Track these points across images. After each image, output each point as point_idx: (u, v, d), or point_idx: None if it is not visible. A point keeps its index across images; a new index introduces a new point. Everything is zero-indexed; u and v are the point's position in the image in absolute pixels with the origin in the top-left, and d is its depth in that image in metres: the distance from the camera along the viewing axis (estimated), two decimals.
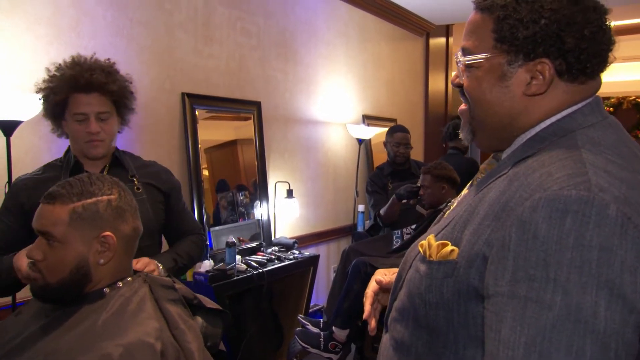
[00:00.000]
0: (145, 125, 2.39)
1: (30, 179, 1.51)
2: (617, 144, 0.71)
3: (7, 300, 1.79)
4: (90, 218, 1.07)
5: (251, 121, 2.99)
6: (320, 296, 3.61)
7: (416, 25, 4.80)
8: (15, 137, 1.78)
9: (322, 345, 2.65)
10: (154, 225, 1.61)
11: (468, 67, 0.79)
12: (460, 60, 0.80)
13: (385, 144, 3.59)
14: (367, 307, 1.02)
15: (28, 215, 1.42)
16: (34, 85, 1.55)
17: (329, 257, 3.77)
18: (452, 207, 0.85)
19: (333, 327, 2.65)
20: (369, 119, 4.06)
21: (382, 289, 1.03)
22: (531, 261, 0.61)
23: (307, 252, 2.99)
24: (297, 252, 2.90)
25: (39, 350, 1.00)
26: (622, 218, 0.60)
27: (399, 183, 3.36)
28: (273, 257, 2.76)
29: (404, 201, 3.11)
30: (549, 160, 0.69)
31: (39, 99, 1.54)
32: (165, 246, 1.76)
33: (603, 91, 0.79)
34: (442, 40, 5.40)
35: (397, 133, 3.50)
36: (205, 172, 2.70)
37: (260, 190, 3.01)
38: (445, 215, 0.85)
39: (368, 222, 3.79)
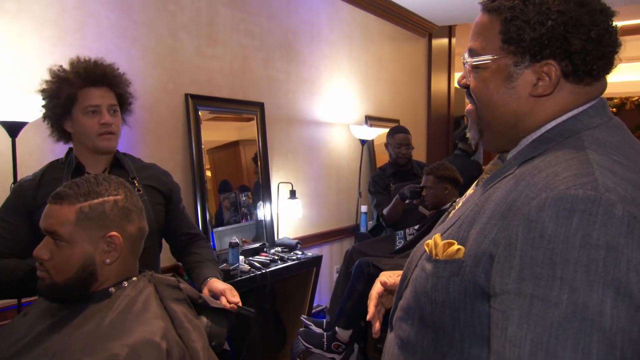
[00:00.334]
0: (149, 126, 2.40)
1: (35, 179, 1.52)
2: (623, 145, 0.71)
3: (13, 300, 1.80)
4: (97, 218, 1.08)
5: (254, 122, 2.99)
6: (323, 297, 3.62)
7: (419, 26, 4.80)
8: (19, 138, 1.79)
9: (325, 345, 2.65)
10: (154, 227, 1.61)
11: (475, 68, 0.79)
12: (467, 61, 0.80)
13: (386, 145, 3.59)
14: (371, 308, 1.02)
15: (34, 214, 1.43)
16: (39, 84, 1.54)
17: (331, 258, 3.77)
18: (457, 207, 0.85)
19: (336, 328, 2.66)
20: (371, 120, 4.07)
21: (387, 290, 1.04)
22: (538, 260, 0.62)
23: (310, 253, 2.99)
24: (300, 252, 2.91)
25: (47, 349, 1.01)
26: (628, 217, 0.60)
27: (402, 183, 3.37)
28: (276, 257, 2.76)
29: (407, 201, 3.12)
30: (556, 160, 0.69)
31: (43, 99, 1.54)
32: (165, 247, 1.76)
33: (606, 92, 0.79)
34: (445, 41, 5.41)
35: (398, 134, 3.50)
36: (208, 173, 2.71)
37: (263, 190, 3.01)
38: (450, 215, 0.85)
39: (371, 222, 3.79)
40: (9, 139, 1.76)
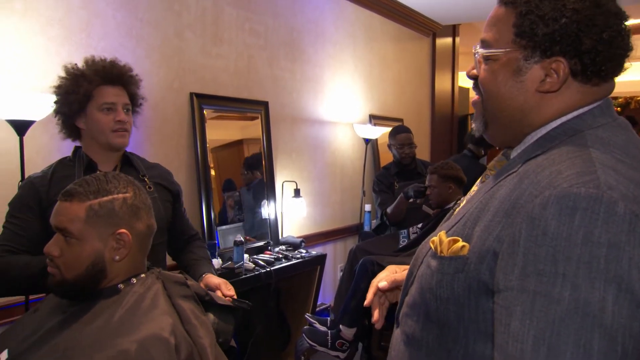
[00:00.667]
0: (154, 124, 2.41)
1: (46, 176, 1.53)
2: (626, 145, 0.72)
3: (21, 297, 1.82)
4: (106, 215, 1.10)
5: (259, 121, 3.01)
6: (327, 295, 3.63)
7: (423, 25, 4.80)
8: (27, 136, 1.81)
9: (329, 343, 2.66)
10: (164, 224, 1.64)
11: (485, 59, 0.80)
12: (478, 52, 0.81)
13: (389, 146, 3.58)
14: (370, 295, 1.02)
15: (46, 210, 1.45)
16: (57, 79, 1.56)
17: (335, 256, 3.79)
18: (461, 205, 0.86)
19: (340, 326, 2.67)
20: (375, 119, 4.08)
21: (392, 286, 1.04)
22: (540, 256, 0.63)
23: (314, 251, 3.00)
24: (304, 251, 2.92)
25: (57, 346, 1.02)
26: (630, 215, 0.61)
27: (406, 182, 3.38)
28: (280, 256, 2.78)
29: (411, 200, 3.13)
30: (559, 158, 0.70)
31: (57, 95, 1.55)
32: None
33: None
34: (449, 40, 5.40)
35: (399, 135, 3.49)
36: (212, 172, 2.72)
37: (267, 189, 3.03)
38: (455, 213, 0.86)
39: (375, 221, 3.80)
40: (17, 137, 1.78)
